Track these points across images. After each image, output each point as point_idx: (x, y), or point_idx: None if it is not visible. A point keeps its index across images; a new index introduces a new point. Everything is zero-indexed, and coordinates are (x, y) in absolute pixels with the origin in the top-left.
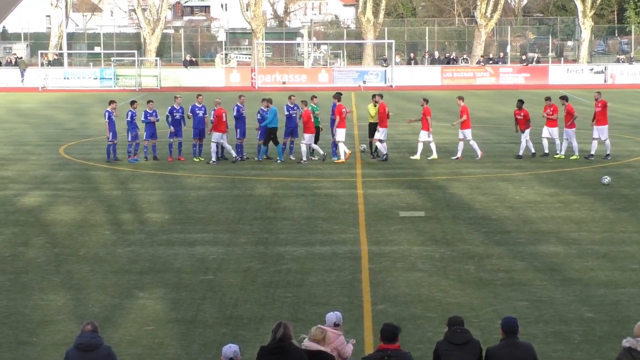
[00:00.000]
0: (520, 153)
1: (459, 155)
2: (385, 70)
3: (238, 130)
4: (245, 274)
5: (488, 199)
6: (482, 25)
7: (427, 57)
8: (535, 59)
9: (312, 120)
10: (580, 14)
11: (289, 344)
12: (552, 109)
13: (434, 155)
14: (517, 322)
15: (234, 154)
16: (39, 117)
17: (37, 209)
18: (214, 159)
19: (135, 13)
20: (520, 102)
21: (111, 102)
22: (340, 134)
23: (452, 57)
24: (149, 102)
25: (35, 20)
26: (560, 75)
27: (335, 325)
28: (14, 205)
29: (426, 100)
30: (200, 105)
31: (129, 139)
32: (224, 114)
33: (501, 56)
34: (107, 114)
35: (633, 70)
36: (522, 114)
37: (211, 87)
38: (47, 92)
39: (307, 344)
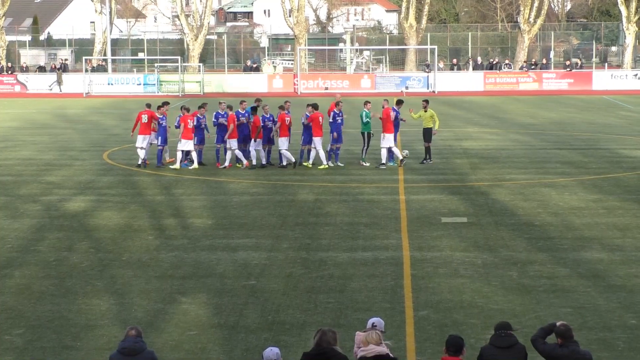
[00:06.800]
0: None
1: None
2: (428, 76)
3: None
4: (288, 280)
5: (531, 204)
6: (525, 31)
7: (470, 62)
8: (578, 65)
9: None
10: (624, 19)
11: (330, 349)
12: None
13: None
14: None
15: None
16: (83, 123)
17: (82, 214)
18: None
19: (179, 19)
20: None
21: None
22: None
23: (494, 62)
24: (200, 106)
25: (79, 26)
26: (604, 80)
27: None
28: (59, 211)
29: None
30: (243, 112)
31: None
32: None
33: (544, 62)
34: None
35: None
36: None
37: (254, 93)
38: (91, 97)
39: (369, 348)
